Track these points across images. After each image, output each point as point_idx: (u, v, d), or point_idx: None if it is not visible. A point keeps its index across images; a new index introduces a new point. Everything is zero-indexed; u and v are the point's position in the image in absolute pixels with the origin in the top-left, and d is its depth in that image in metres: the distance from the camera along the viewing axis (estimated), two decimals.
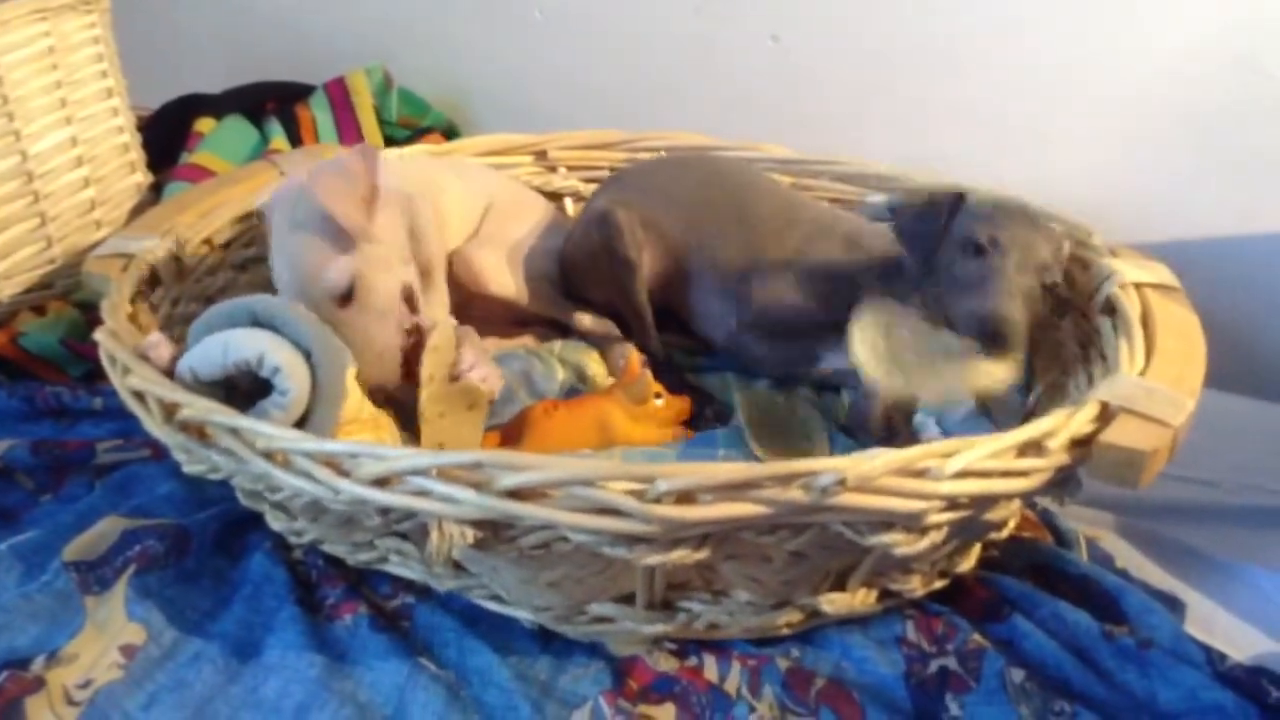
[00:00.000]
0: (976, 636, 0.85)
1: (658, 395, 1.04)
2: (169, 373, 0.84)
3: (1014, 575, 0.92)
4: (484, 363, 0.98)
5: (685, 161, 1.19)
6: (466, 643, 0.86)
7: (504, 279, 1.11)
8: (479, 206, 1.17)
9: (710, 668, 0.84)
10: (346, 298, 0.92)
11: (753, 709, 0.80)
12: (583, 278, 1.14)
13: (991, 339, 0.89)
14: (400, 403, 0.95)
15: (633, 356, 1.07)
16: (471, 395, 0.95)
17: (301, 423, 0.84)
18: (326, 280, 0.91)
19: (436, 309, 1.01)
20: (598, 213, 1.12)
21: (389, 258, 0.95)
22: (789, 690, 0.82)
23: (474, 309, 1.10)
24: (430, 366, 0.93)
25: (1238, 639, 0.88)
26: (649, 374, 1.04)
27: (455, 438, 0.93)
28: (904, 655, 0.84)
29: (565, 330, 1.15)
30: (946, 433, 1.01)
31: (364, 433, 0.87)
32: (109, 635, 0.86)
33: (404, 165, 1.14)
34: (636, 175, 1.20)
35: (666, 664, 0.84)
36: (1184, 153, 1.25)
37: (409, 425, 0.94)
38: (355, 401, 0.86)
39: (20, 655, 0.84)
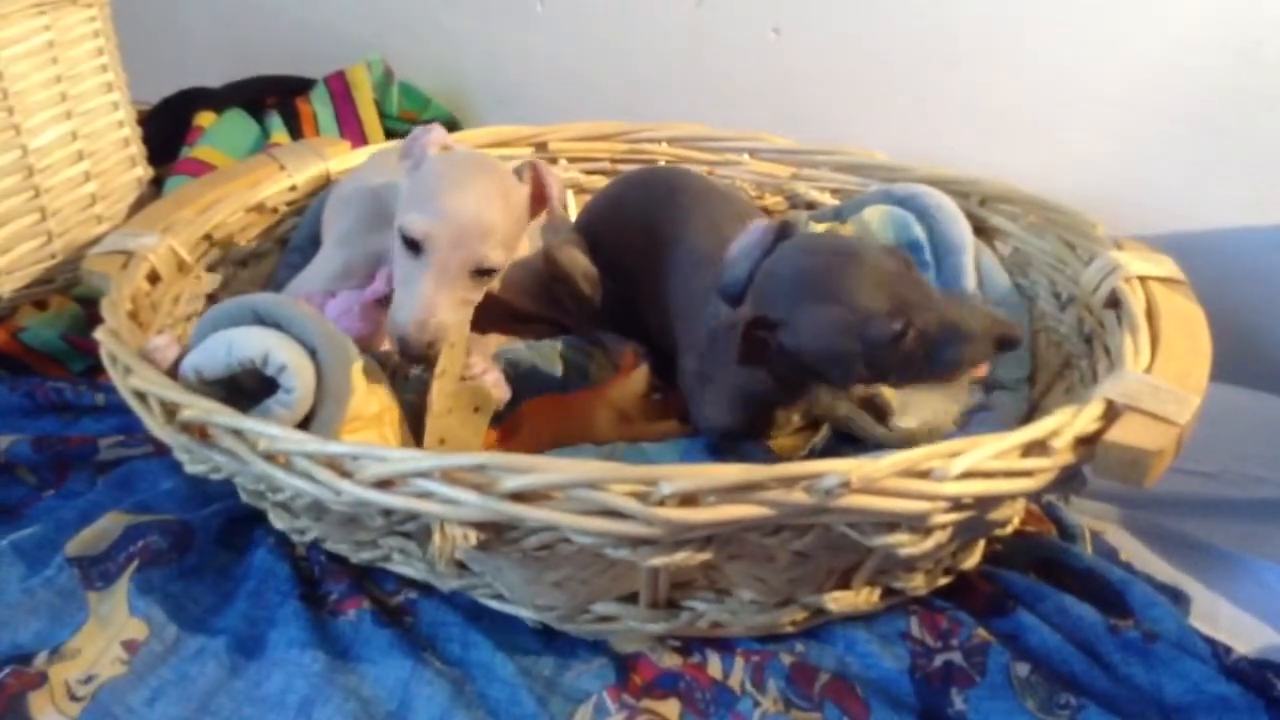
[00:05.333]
0: (981, 631, 0.85)
1: (655, 390, 1.04)
2: (173, 375, 0.84)
3: (1018, 569, 0.91)
4: (494, 369, 0.99)
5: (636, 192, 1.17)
6: (470, 638, 0.86)
7: (506, 276, 1.10)
8: None
9: (714, 664, 0.84)
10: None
11: (757, 703, 0.80)
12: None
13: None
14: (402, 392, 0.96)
15: (628, 352, 1.07)
16: (480, 397, 0.95)
17: (307, 420, 0.84)
18: (491, 250, 0.95)
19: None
20: (545, 253, 1.11)
21: None
22: (793, 685, 0.82)
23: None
24: (445, 361, 0.93)
25: (1242, 632, 0.88)
26: (645, 368, 1.03)
27: (457, 436, 0.93)
28: (908, 650, 0.84)
29: (565, 328, 1.14)
30: (954, 421, 1.01)
31: (368, 430, 0.87)
32: (112, 631, 0.86)
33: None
34: (595, 206, 1.20)
35: (670, 660, 0.84)
36: (1188, 144, 1.25)
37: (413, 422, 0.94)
38: (360, 398, 0.86)
39: (23, 651, 0.84)
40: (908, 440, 0.94)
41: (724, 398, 0.95)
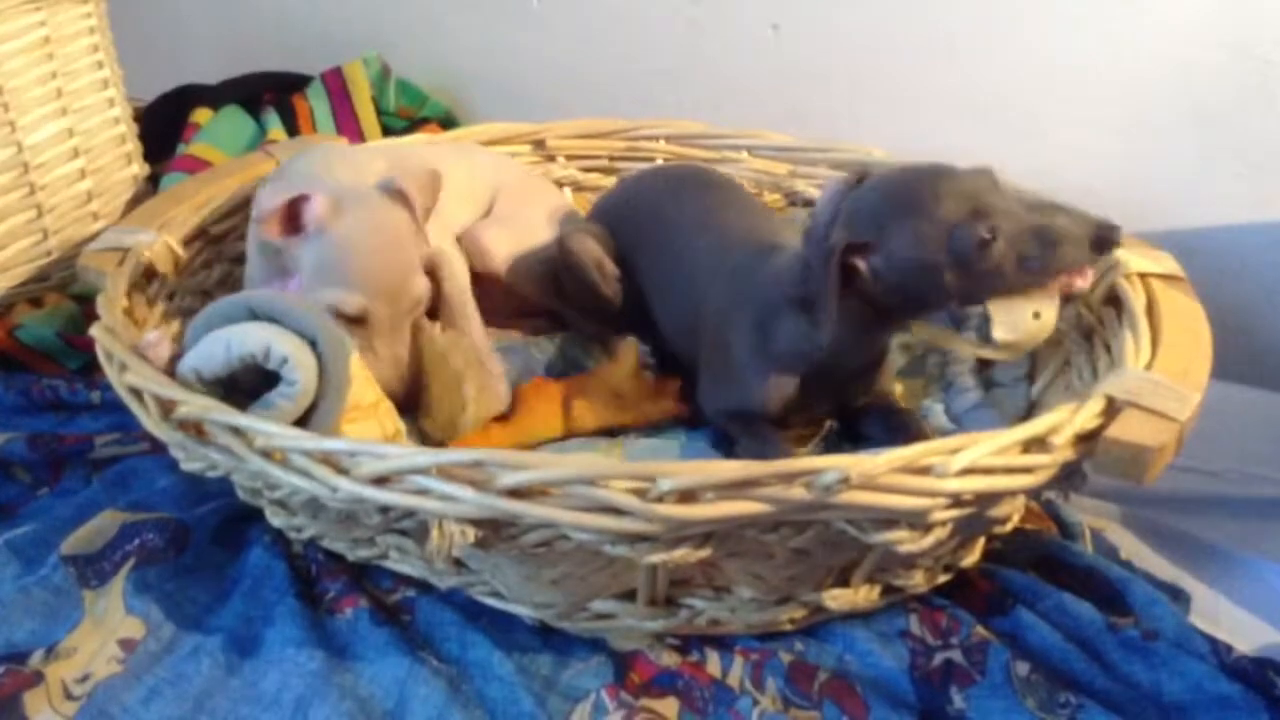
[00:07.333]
0: (981, 629, 0.84)
1: (645, 367, 1.04)
2: (169, 372, 0.84)
3: (1018, 567, 0.91)
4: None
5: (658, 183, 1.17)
6: (468, 637, 0.85)
7: (512, 261, 1.10)
8: (486, 188, 1.17)
9: (713, 662, 0.84)
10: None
11: (756, 702, 0.80)
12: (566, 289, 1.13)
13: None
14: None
15: (620, 342, 1.07)
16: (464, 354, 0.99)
17: (308, 412, 0.84)
18: (419, 288, 0.97)
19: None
20: (559, 240, 1.12)
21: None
22: (792, 684, 0.82)
23: (475, 297, 1.10)
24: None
25: (1243, 630, 0.88)
26: (633, 341, 1.03)
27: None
28: (908, 648, 0.84)
29: (565, 324, 1.14)
30: (954, 419, 1.01)
31: (367, 420, 0.87)
32: (107, 629, 0.86)
33: (401, 149, 1.13)
34: (611, 197, 1.20)
35: (669, 659, 0.84)
36: (1187, 141, 1.24)
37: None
38: (358, 387, 0.86)
39: (18, 650, 0.84)
40: (1004, 352, 0.93)
41: (780, 367, 0.94)
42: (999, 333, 0.87)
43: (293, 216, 0.93)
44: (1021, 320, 0.87)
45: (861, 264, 0.85)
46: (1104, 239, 0.80)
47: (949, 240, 0.81)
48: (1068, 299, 0.87)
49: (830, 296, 0.84)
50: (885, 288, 0.86)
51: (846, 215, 0.86)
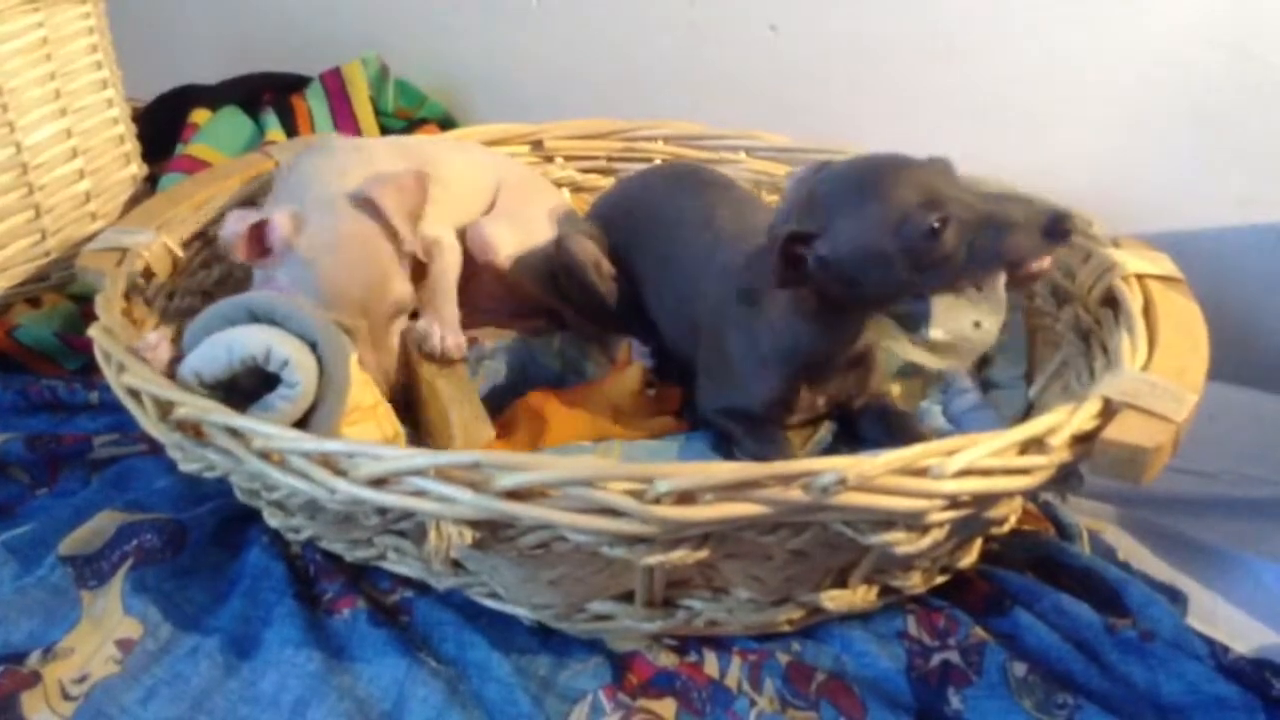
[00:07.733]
0: (978, 630, 0.85)
1: (650, 385, 1.04)
2: (169, 374, 0.84)
3: (1015, 568, 0.91)
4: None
5: (655, 183, 1.18)
6: (466, 637, 0.85)
7: (515, 257, 1.10)
8: (489, 184, 1.17)
9: (711, 663, 0.84)
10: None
11: (753, 703, 0.80)
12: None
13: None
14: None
15: (623, 349, 1.07)
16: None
17: (309, 414, 0.84)
18: (397, 294, 0.96)
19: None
20: (557, 241, 1.11)
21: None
22: (790, 684, 0.82)
23: (475, 293, 1.10)
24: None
25: (1240, 631, 0.88)
26: (640, 365, 1.03)
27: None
28: (905, 649, 0.84)
29: (564, 324, 1.14)
30: (951, 420, 1.01)
31: (367, 421, 0.87)
32: (105, 630, 0.86)
33: (402, 145, 1.13)
34: (610, 196, 1.21)
35: (666, 659, 0.84)
36: (1185, 141, 1.24)
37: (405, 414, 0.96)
38: (357, 389, 0.86)
39: (16, 650, 0.84)
40: (934, 352, 0.92)
41: (767, 363, 0.94)
42: (934, 333, 0.86)
43: (259, 239, 0.94)
44: (961, 325, 0.87)
45: (807, 253, 0.85)
46: (1056, 228, 0.78)
47: (899, 228, 0.80)
48: (1028, 282, 0.85)
49: (773, 286, 0.84)
50: (833, 276, 0.85)
51: (803, 207, 0.86)
